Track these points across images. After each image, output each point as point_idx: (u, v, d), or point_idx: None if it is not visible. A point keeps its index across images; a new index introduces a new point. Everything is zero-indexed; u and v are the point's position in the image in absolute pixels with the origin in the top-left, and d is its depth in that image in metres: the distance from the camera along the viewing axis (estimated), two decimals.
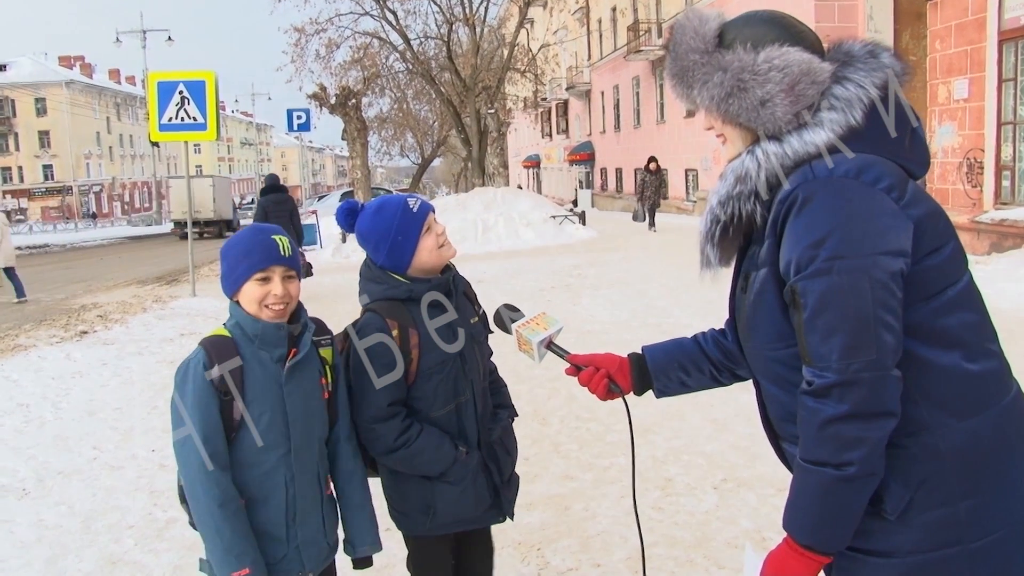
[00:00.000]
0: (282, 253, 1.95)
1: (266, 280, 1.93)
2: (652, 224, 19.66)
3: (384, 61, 28.15)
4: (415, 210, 2.19)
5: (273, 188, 11.47)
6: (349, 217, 2.26)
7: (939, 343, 1.35)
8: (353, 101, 23.98)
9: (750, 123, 1.45)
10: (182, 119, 10.70)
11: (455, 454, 2.18)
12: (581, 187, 37.50)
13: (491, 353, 2.45)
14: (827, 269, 1.30)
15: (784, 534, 1.41)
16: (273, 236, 1.96)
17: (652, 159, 20.23)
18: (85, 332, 8.96)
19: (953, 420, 1.35)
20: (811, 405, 1.33)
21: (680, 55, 1.51)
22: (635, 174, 29.84)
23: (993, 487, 1.36)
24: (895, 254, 1.31)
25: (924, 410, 1.35)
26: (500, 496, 2.32)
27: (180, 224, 31.30)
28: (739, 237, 1.50)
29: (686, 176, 26.82)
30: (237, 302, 1.97)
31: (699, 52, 1.48)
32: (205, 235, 30.11)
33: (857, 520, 1.35)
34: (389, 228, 2.17)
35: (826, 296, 1.30)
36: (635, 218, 20.92)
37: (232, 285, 1.96)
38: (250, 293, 1.94)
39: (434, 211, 2.26)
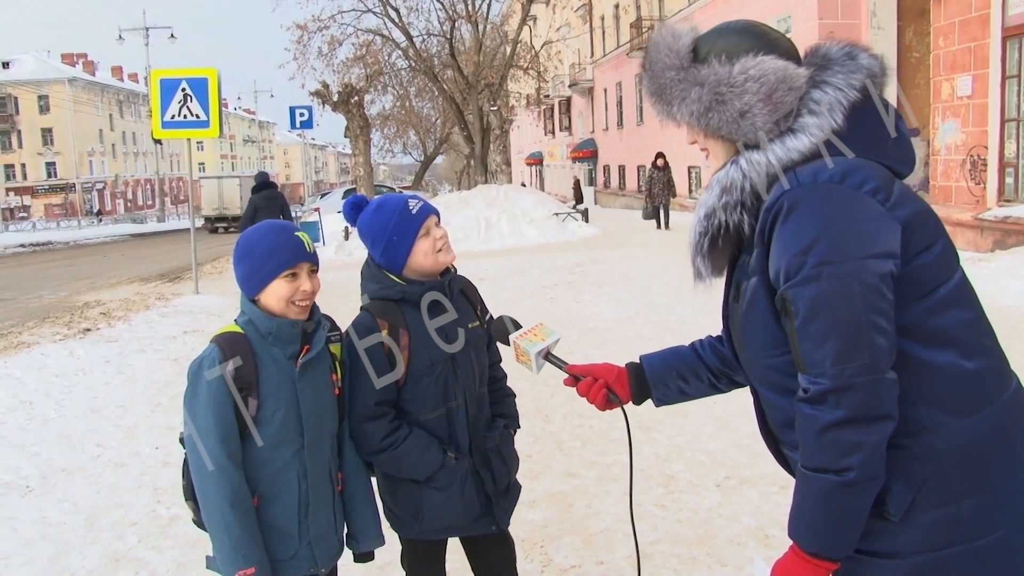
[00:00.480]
0: (308, 249, 1.99)
1: (294, 276, 1.96)
2: (662, 223, 18.75)
3: (387, 58, 28.23)
4: (414, 212, 2.17)
5: (263, 185, 11.69)
6: (354, 211, 2.27)
7: (934, 342, 1.35)
8: (356, 98, 23.98)
9: (731, 135, 1.45)
10: (185, 116, 10.72)
11: (442, 459, 2.16)
12: (582, 184, 37.31)
13: (499, 360, 2.42)
14: (816, 275, 1.30)
15: (786, 535, 1.41)
16: (296, 233, 2.00)
17: (660, 155, 19.14)
18: (88, 329, 8.96)
19: (952, 419, 1.35)
20: (808, 412, 1.33)
21: (656, 73, 1.51)
22: (638, 171, 29.79)
23: (995, 484, 1.35)
24: (884, 256, 1.30)
25: (923, 410, 1.35)
26: (493, 505, 2.28)
27: (210, 219, 33.62)
28: (729, 247, 1.50)
29: (689, 173, 26.80)
30: (255, 300, 1.97)
31: (675, 69, 1.48)
32: (231, 229, 31.96)
33: (862, 524, 1.35)
34: (385, 227, 2.17)
35: (817, 302, 1.30)
36: (645, 216, 20.09)
37: (258, 284, 1.96)
38: (278, 291, 1.95)
39: (437, 215, 2.24)
